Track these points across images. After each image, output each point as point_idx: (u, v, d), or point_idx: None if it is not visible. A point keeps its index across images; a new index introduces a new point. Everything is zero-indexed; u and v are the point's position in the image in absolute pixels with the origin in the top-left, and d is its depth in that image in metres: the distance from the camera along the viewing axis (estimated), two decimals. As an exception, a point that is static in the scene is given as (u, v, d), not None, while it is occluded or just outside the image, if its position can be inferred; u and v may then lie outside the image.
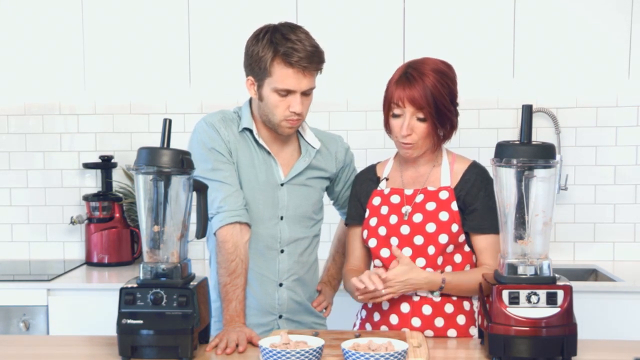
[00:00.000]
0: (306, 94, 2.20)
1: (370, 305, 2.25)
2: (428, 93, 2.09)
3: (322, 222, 2.45)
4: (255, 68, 2.20)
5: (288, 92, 2.17)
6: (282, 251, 2.33)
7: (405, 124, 2.12)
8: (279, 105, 2.19)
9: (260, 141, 2.29)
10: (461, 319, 2.18)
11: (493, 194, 2.00)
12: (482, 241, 2.18)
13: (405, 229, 2.16)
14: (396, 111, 2.13)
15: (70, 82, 3.36)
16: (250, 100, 2.32)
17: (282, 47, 2.14)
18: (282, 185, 2.31)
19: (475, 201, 2.16)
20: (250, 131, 2.29)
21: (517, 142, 1.92)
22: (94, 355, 2.01)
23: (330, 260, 2.54)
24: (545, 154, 1.89)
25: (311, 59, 2.15)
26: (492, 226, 2.12)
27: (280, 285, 2.34)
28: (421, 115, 2.11)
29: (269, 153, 2.30)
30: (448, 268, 2.17)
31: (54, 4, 3.34)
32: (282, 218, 2.32)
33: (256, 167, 2.28)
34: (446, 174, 2.21)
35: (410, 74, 2.11)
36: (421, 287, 2.11)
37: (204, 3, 3.29)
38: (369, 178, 2.30)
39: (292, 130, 2.26)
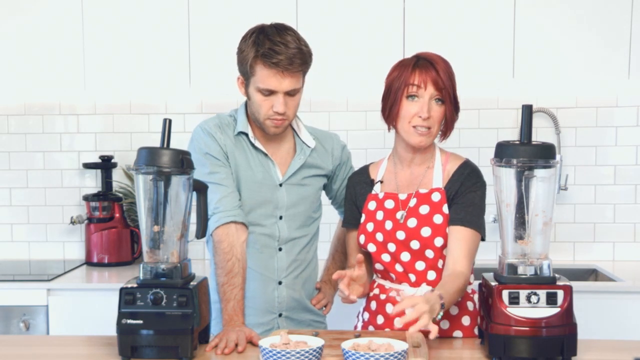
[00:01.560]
0: (290, 94, 2.20)
1: (373, 308, 2.24)
2: (446, 76, 2.11)
3: (320, 219, 2.45)
4: (242, 67, 2.23)
5: (270, 92, 2.19)
6: (280, 249, 2.33)
7: (425, 107, 2.10)
8: (262, 104, 2.21)
9: (256, 144, 2.30)
10: (466, 320, 2.18)
11: (480, 191, 2.00)
12: (455, 233, 2.08)
13: (400, 235, 2.15)
14: (413, 92, 2.11)
15: (70, 82, 3.36)
16: (246, 102, 2.33)
17: (262, 48, 2.15)
18: (280, 185, 2.32)
19: (457, 196, 2.14)
20: (246, 134, 2.30)
21: (517, 142, 1.92)
22: (94, 355, 2.01)
23: (330, 259, 2.54)
24: (545, 154, 1.89)
25: (292, 60, 2.15)
26: (470, 221, 2.09)
27: (280, 283, 2.34)
28: (440, 96, 2.11)
29: (265, 155, 2.31)
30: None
31: (54, 4, 3.34)
32: (280, 217, 2.32)
33: (254, 169, 2.29)
34: (438, 175, 2.18)
35: (426, 59, 2.13)
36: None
37: (204, 3, 3.29)
38: (362, 180, 2.29)
39: (279, 130, 2.26)
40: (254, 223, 2.29)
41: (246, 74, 2.22)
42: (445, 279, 2.06)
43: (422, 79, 2.10)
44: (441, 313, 1.89)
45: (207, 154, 2.25)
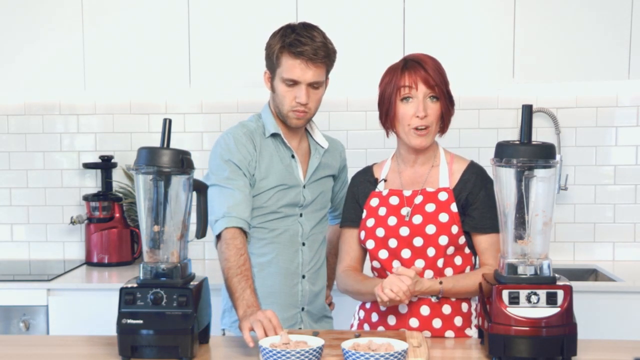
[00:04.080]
0: (313, 87, 2.27)
1: (368, 306, 2.25)
2: (436, 73, 2.13)
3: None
4: (269, 60, 2.31)
5: (294, 83, 2.26)
6: (303, 244, 2.40)
7: (420, 106, 2.12)
8: (286, 95, 2.28)
9: (288, 143, 2.36)
10: (458, 321, 2.18)
11: (493, 193, 2.00)
12: (483, 241, 2.18)
13: (404, 231, 2.16)
14: (406, 95, 2.13)
15: (70, 82, 3.36)
16: (269, 104, 2.39)
17: (288, 39, 2.24)
18: (304, 187, 2.38)
19: (476, 201, 2.16)
20: (277, 135, 2.36)
21: (517, 142, 1.92)
22: (94, 355, 2.01)
23: (325, 262, 2.56)
24: (545, 154, 1.89)
25: (316, 51, 2.24)
26: (493, 225, 2.12)
27: (303, 277, 2.40)
28: (433, 93, 2.13)
29: (292, 156, 2.37)
30: (448, 270, 2.17)
31: (54, 4, 3.33)
32: (301, 215, 2.39)
33: (282, 172, 2.35)
34: (445, 175, 2.20)
35: (414, 60, 2.16)
36: (423, 294, 2.13)
37: (204, 3, 3.29)
38: (366, 179, 2.30)
39: (301, 123, 2.32)
40: (278, 221, 2.35)
41: (272, 67, 2.30)
42: (469, 273, 2.18)
43: (412, 80, 2.13)
44: (437, 297, 2.13)
45: (229, 161, 2.28)
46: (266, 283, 2.35)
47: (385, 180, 2.27)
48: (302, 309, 2.41)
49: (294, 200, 2.37)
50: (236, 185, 2.26)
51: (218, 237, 2.22)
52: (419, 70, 2.13)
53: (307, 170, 2.40)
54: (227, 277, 2.15)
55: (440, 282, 2.13)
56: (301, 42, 2.23)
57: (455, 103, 2.21)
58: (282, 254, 2.38)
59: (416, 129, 2.14)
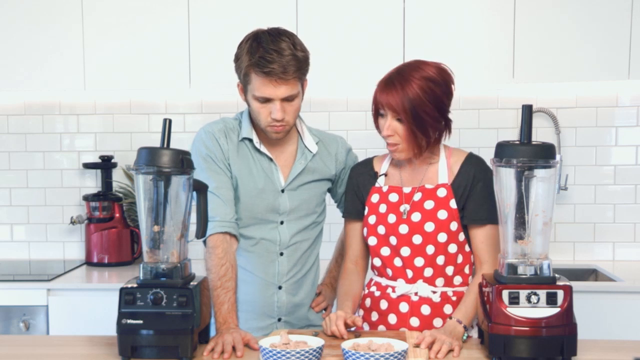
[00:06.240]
0: (288, 100, 2.17)
1: (368, 305, 2.25)
2: (405, 100, 2.09)
3: (324, 223, 2.44)
4: (238, 73, 2.22)
5: (267, 100, 2.16)
6: (281, 254, 2.32)
7: (386, 124, 2.14)
8: (260, 111, 2.19)
9: (262, 149, 2.29)
10: (460, 320, 2.18)
11: (491, 184, 1.99)
12: (479, 234, 2.15)
13: (403, 229, 2.16)
14: (381, 111, 2.16)
15: (70, 82, 3.36)
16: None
17: (254, 58, 2.12)
18: (282, 191, 2.30)
19: (472, 192, 2.15)
20: (250, 140, 2.29)
21: (517, 142, 1.92)
22: (94, 355, 2.01)
23: (332, 262, 2.53)
24: (545, 154, 1.89)
25: (285, 68, 2.11)
26: (489, 216, 2.11)
27: (280, 288, 2.33)
28: (398, 117, 2.12)
29: (270, 159, 2.30)
30: (449, 268, 2.17)
31: (54, 3, 3.34)
32: (282, 222, 2.31)
33: (255, 176, 2.28)
34: (443, 171, 2.19)
35: (392, 80, 2.12)
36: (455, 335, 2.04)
37: (204, 3, 3.29)
38: (366, 172, 2.30)
39: (280, 136, 2.25)
40: (255, 228, 2.29)
41: (244, 82, 2.20)
42: (469, 290, 2.13)
43: (381, 100, 2.13)
44: (466, 334, 2.06)
45: (208, 157, 2.24)
46: (242, 290, 2.28)
47: (385, 175, 2.27)
48: (279, 319, 2.34)
49: (271, 206, 2.28)
50: (214, 187, 2.21)
51: (204, 241, 2.21)
52: (388, 92, 2.11)
53: (289, 175, 2.32)
54: (210, 287, 2.15)
55: (458, 320, 2.06)
56: (268, 61, 2.09)
57: (437, 127, 2.13)
58: (257, 264, 2.30)
59: (386, 142, 2.17)
